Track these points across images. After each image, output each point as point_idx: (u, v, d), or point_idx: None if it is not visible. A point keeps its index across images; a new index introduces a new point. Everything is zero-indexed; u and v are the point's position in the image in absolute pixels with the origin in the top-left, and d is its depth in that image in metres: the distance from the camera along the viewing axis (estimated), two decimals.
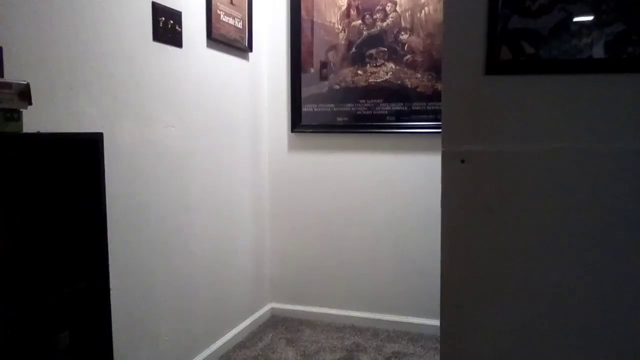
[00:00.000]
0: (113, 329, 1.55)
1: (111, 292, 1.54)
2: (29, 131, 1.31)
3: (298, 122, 3.18)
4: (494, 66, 1.34)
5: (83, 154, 1.39)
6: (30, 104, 1.24)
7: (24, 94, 1.21)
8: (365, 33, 3.01)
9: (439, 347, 2.89)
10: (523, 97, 1.32)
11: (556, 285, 1.33)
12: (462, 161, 1.38)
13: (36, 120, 1.56)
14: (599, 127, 1.28)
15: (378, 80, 3.02)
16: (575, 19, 1.29)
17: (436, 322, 3.00)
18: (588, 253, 1.30)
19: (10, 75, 1.37)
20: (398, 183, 3.05)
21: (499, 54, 1.33)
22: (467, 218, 1.38)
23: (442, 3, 1.42)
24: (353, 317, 3.18)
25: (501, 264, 1.37)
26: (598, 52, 1.28)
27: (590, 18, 1.28)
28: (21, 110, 1.24)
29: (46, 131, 1.54)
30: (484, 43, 1.33)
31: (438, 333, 2.89)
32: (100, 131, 1.58)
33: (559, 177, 1.31)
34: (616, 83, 1.27)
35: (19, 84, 1.21)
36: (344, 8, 3.03)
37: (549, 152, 1.31)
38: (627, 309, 1.30)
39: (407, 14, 2.92)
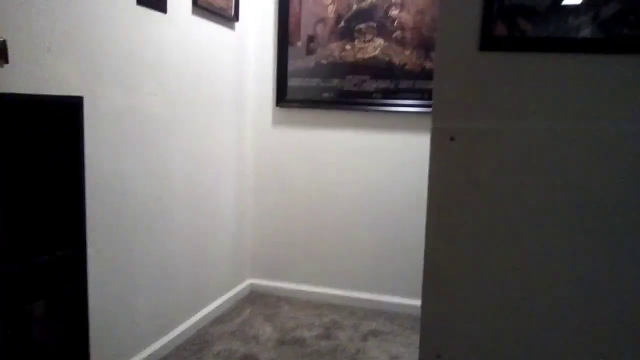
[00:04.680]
0: (90, 300, 1.51)
1: (88, 261, 1.50)
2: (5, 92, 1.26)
3: (283, 96, 3.13)
4: (488, 42, 1.30)
5: (62, 118, 1.34)
6: (7, 61, 1.18)
7: (0, 51, 1.14)
8: (355, 7, 2.95)
9: (415, 326, 2.92)
10: (517, 74, 1.29)
11: (544, 264, 1.32)
12: (452, 138, 1.35)
13: (12, 82, 1.49)
14: (593, 107, 1.27)
15: (366, 57, 2.97)
16: None
17: (413, 302, 3.03)
18: (578, 233, 1.30)
19: None
20: (382, 162, 3.02)
21: (494, 29, 1.30)
22: (455, 195, 1.36)
23: None
24: (331, 294, 3.18)
25: (488, 243, 1.35)
26: (594, 31, 1.26)
27: None
28: None
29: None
30: (480, 18, 1.30)
31: (415, 313, 2.93)
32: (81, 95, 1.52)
33: (550, 156, 1.29)
34: (611, 63, 1.25)
35: None
36: None
37: (541, 130, 1.29)
38: (616, 287, 1.30)
39: None
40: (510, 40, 1.30)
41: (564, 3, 1.27)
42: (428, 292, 1.43)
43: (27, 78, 1.58)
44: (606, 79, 1.26)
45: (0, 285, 1.28)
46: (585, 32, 1.27)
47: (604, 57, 1.26)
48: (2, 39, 1.15)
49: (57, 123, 1.33)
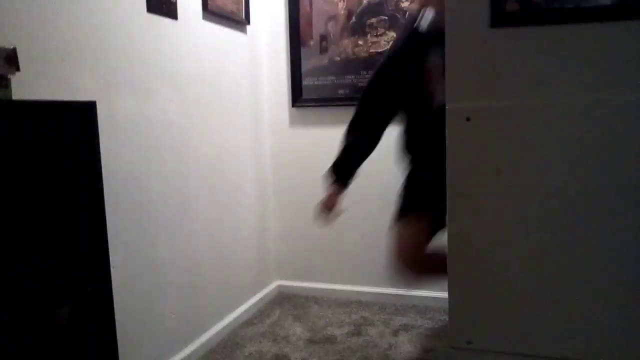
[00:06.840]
0: (116, 307, 1.51)
1: (113, 269, 1.51)
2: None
3: (299, 96, 3.12)
4: (500, 18, 1.27)
5: (76, 124, 1.34)
6: (18, 69, 1.19)
7: (11, 59, 1.16)
8: (365, 2, 2.93)
9: (447, 319, 2.87)
10: (531, 49, 1.26)
11: (570, 245, 1.28)
12: (468, 119, 1.32)
13: (26, 90, 1.51)
14: (612, 78, 1.22)
15: (379, 51, 2.95)
16: None
17: (444, 295, 2.98)
18: (602, 213, 1.25)
19: None
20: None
21: (505, 4, 1.27)
22: (474, 180, 1.33)
23: None
24: (360, 292, 3.15)
25: (511, 225, 1.32)
26: None
27: None
28: (9, 76, 1.19)
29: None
30: None
31: (446, 305, 2.88)
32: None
33: (571, 131, 1.25)
34: (628, 31, 1.21)
35: (5, 48, 1.16)
36: None
37: (560, 105, 1.26)
38: None
39: None
40: (522, 14, 1.27)
41: None
42: (454, 278, 1.41)
43: (40, 86, 1.60)
44: (624, 47, 1.21)
45: (24, 290, 1.29)
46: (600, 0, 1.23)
47: (621, 24, 1.21)
48: (12, 47, 1.16)
49: (71, 129, 1.34)
